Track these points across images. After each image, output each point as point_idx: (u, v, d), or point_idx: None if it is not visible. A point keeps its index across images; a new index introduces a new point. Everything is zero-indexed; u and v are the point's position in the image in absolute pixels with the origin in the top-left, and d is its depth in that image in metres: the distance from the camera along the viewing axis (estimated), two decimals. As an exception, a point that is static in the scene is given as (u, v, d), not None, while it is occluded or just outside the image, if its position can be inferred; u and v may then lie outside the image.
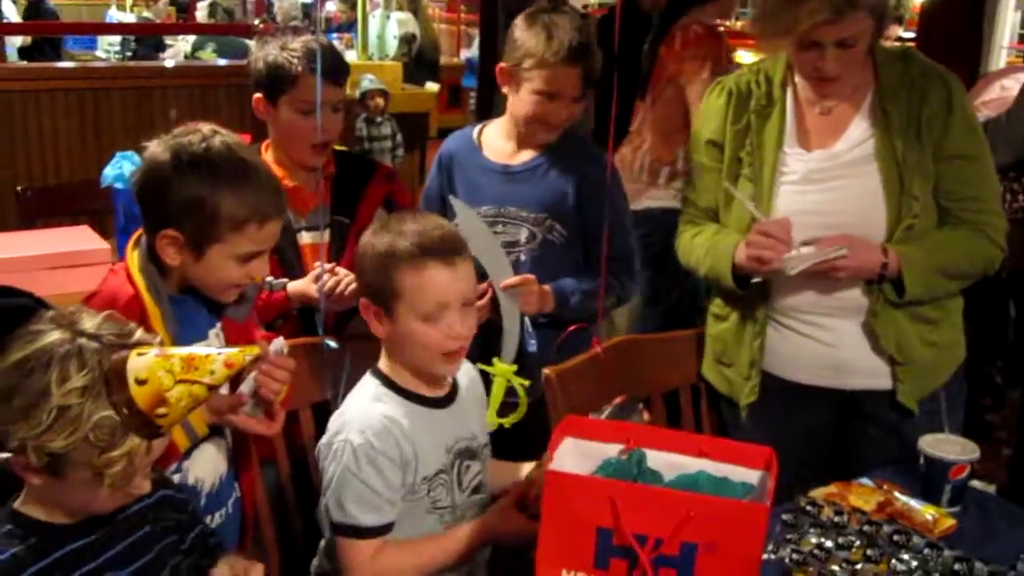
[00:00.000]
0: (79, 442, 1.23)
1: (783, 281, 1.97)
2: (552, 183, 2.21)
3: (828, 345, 2.00)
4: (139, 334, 1.31)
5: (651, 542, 1.34)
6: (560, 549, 1.39)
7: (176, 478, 1.66)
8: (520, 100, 2.17)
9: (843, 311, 1.97)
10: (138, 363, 1.27)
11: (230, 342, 1.71)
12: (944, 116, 1.91)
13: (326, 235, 2.16)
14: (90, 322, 1.29)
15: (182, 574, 1.48)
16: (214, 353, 1.30)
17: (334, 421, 1.69)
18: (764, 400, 2.08)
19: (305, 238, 2.21)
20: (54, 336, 1.26)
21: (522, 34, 2.13)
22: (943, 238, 1.94)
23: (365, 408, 1.67)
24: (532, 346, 2.10)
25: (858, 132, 1.95)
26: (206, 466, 1.75)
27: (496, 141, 2.27)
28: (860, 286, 1.94)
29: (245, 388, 1.69)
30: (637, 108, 3.41)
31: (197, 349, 1.32)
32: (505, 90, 2.22)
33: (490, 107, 3.59)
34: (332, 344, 1.91)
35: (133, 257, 1.67)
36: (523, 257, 2.21)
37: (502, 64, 2.18)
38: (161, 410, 1.26)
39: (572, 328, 2.09)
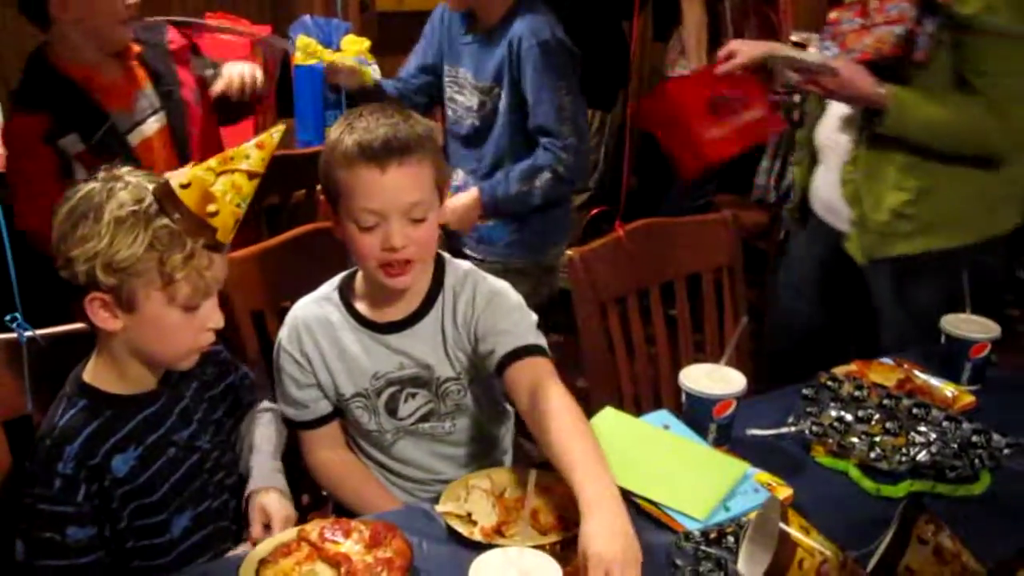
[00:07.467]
0: (142, 253, 1.28)
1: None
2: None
3: (826, 183, 2.14)
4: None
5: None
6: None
7: None
8: None
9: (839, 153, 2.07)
10: (179, 173, 1.32)
11: None
12: None
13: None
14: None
15: (224, 422, 1.57)
16: (245, 144, 1.35)
17: None
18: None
19: (146, 131, 2.18)
20: (95, 183, 1.33)
21: None
22: (952, 97, 1.93)
23: (302, 305, 1.66)
24: None
25: None
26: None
27: None
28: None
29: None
30: None
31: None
32: None
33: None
34: None
35: None
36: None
37: None
38: (211, 207, 1.31)
39: (595, 211, 2.09)
